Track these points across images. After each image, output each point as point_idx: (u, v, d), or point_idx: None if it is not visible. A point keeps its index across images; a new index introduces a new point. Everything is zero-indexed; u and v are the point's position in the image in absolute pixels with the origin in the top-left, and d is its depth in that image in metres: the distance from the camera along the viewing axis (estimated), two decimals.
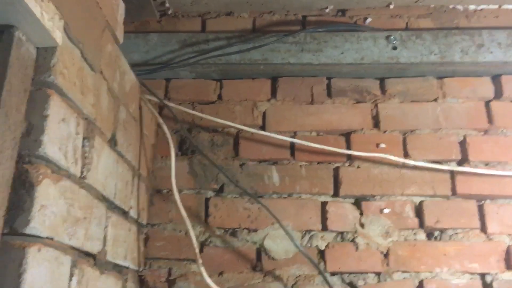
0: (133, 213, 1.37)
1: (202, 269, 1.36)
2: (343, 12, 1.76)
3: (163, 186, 1.58)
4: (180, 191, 1.53)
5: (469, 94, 1.63)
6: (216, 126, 1.63)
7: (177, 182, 1.47)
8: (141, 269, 1.47)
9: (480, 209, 1.51)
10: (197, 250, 1.39)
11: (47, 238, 0.85)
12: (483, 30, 1.63)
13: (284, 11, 1.76)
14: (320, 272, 1.43)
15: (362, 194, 1.54)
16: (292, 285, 1.46)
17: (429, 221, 1.50)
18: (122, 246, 1.28)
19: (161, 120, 1.56)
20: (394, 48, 1.62)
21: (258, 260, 1.50)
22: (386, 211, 1.51)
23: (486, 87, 1.64)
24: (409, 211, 1.52)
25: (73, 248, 0.96)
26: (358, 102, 1.66)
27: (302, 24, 1.76)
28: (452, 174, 1.54)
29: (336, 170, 1.58)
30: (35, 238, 0.81)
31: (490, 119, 1.60)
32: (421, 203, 1.53)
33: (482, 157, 1.55)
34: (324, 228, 1.52)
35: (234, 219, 1.54)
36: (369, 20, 1.73)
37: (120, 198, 1.25)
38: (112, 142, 1.20)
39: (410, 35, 1.63)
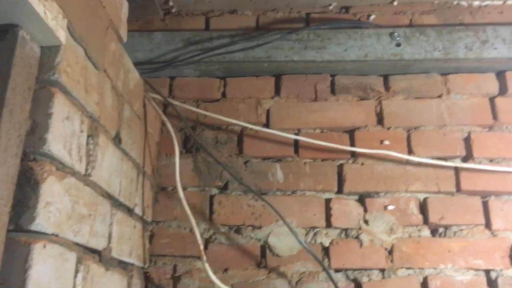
0: (138, 211, 1.38)
1: (207, 266, 1.36)
2: (346, 9, 1.76)
3: (167, 183, 1.59)
4: (184, 188, 1.54)
5: (474, 90, 1.63)
6: (220, 123, 1.64)
7: (182, 180, 1.48)
8: (146, 266, 1.48)
9: (485, 205, 1.51)
10: (201, 247, 1.40)
11: (52, 234, 0.86)
12: (487, 26, 1.62)
13: (287, 9, 1.77)
14: (324, 269, 1.43)
15: (366, 191, 1.54)
16: (297, 282, 1.47)
17: (433, 217, 1.50)
18: (127, 243, 1.29)
19: (165, 118, 1.57)
20: (398, 44, 1.62)
21: (263, 257, 1.51)
22: (390, 207, 1.51)
23: (490, 83, 1.63)
24: (414, 208, 1.52)
25: (78, 244, 0.97)
26: (362, 99, 1.66)
27: (306, 21, 1.76)
28: (457, 170, 1.54)
29: (340, 167, 1.58)
30: (40, 235, 0.83)
31: (494, 115, 1.59)
32: (425, 199, 1.53)
33: (487, 153, 1.55)
34: (328, 225, 1.52)
35: (239, 216, 1.54)
36: (372, 17, 1.73)
37: (125, 195, 1.26)
38: (117, 140, 1.21)
39: (414, 31, 1.63)
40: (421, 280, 1.45)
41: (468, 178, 1.53)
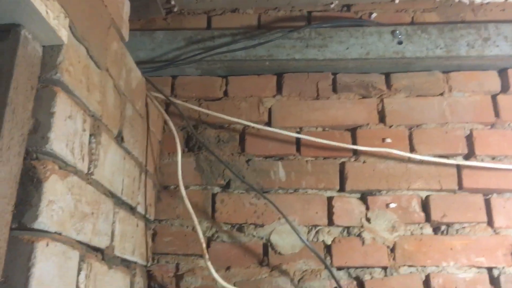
0: (140, 209, 1.39)
1: (209, 264, 1.37)
2: (348, 7, 1.76)
3: (170, 182, 1.60)
4: (187, 187, 1.55)
5: (476, 88, 1.63)
6: (222, 122, 1.64)
7: (184, 178, 1.49)
8: (149, 264, 1.49)
9: (487, 203, 1.51)
10: (204, 246, 1.40)
11: (55, 233, 0.86)
12: (489, 24, 1.62)
13: (289, 7, 1.77)
14: (326, 267, 1.43)
15: (368, 189, 1.55)
16: (299, 280, 1.47)
17: (435, 215, 1.50)
18: (130, 242, 1.29)
19: (167, 117, 1.57)
20: (400, 42, 1.61)
21: (265, 255, 1.51)
22: (392, 205, 1.52)
23: (492, 81, 1.63)
24: (416, 206, 1.52)
25: (81, 243, 0.98)
26: (364, 97, 1.66)
27: (307, 19, 1.76)
28: (459, 168, 1.54)
29: (342, 165, 1.58)
30: (43, 233, 0.83)
31: (496, 113, 1.59)
32: (427, 197, 1.53)
33: (489, 151, 1.55)
34: (330, 223, 1.52)
35: (241, 215, 1.55)
36: (374, 15, 1.73)
37: (127, 194, 1.27)
38: (119, 139, 1.21)
39: (415, 29, 1.63)
40: (423, 278, 1.45)
41: (470, 176, 1.53)
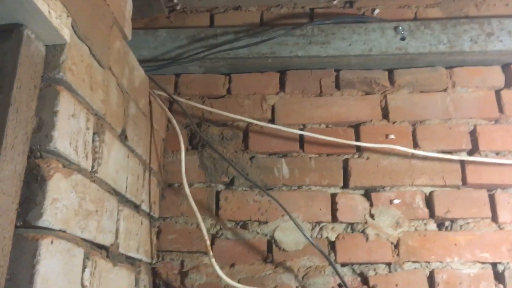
0: (144, 207, 1.40)
1: (213, 261, 1.37)
2: (350, 3, 1.76)
3: (174, 180, 1.60)
4: (191, 184, 1.56)
5: (479, 83, 1.62)
6: (226, 120, 1.65)
7: (188, 176, 1.49)
8: (154, 262, 1.50)
9: (491, 198, 1.50)
10: (208, 243, 1.40)
11: (59, 230, 0.87)
12: (492, 19, 1.61)
13: (291, 4, 1.77)
14: (330, 263, 1.44)
15: (371, 185, 1.55)
16: (303, 276, 1.47)
17: (439, 211, 1.50)
18: (135, 239, 1.30)
19: (170, 115, 1.58)
20: (403, 38, 1.61)
21: (269, 251, 1.51)
22: (396, 202, 1.52)
23: (496, 76, 1.63)
24: (419, 202, 1.52)
25: (86, 240, 0.98)
26: (367, 93, 1.66)
27: (310, 16, 1.76)
28: (463, 164, 1.54)
29: (346, 161, 1.58)
30: (48, 231, 0.84)
31: (500, 108, 1.59)
32: (431, 193, 1.53)
33: (493, 146, 1.55)
34: (334, 219, 1.52)
35: (245, 212, 1.55)
36: (377, 11, 1.73)
37: (132, 191, 1.28)
38: (122, 137, 1.22)
39: (418, 25, 1.63)
40: (428, 273, 1.45)
41: (474, 172, 1.52)
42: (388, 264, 1.47)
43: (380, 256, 1.47)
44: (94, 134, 1.04)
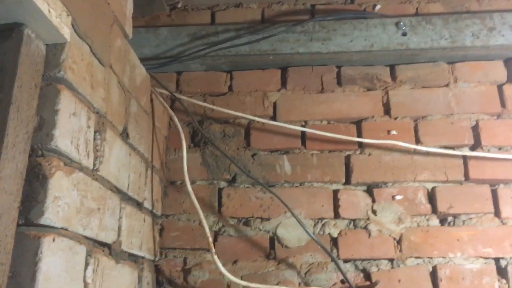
0: (147, 204, 1.40)
1: (216, 258, 1.38)
2: None
3: (176, 177, 1.61)
4: (193, 182, 1.56)
5: (481, 78, 1.62)
6: (227, 117, 1.65)
7: (190, 173, 1.50)
8: (156, 259, 1.50)
9: (494, 193, 1.50)
10: (210, 240, 1.41)
11: (61, 228, 0.87)
12: (494, 13, 1.60)
13: (292, 1, 1.77)
14: (333, 259, 1.44)
15: (373, 181, 1.55)
16: (306, 273, 1.48)
17: (442, 206, 1.49)
18: (137, 237, 1.31)
19: (172, 113, 1.58)
20: (404, 34, 1.61)
21: (272, 248, 1.52)
22: (398, 197, 1.51)
23: (498, 71, 1.62)
24: (422, 197, 1.52)
25: (88, 238, 0.99)
26: (369, 89, 1.66)
27: (311, 13, 1.76)
28: (465, 159, 1.54)
29: (348, 158, 1.58)
30: (50, 229, 0.84)
31: (502, 103, 1.59)
32: (433, 189, 1.52)
33: (495, 141, 1.54)
34: (336, 215, 1.53)
35: (247, 209, 1.56)
36: (378, 7, 1.72)
37: (134, 189, 1.28)
38: (124, 135, 1.23)
39: (420, 20, 1.62)
40: (430, 269, 1.45)
41: (477, 167, 1.52)
42: (391, 260, 1.47)
43: (383, 252, 1.48)
44: (95, 132, 1.04)
